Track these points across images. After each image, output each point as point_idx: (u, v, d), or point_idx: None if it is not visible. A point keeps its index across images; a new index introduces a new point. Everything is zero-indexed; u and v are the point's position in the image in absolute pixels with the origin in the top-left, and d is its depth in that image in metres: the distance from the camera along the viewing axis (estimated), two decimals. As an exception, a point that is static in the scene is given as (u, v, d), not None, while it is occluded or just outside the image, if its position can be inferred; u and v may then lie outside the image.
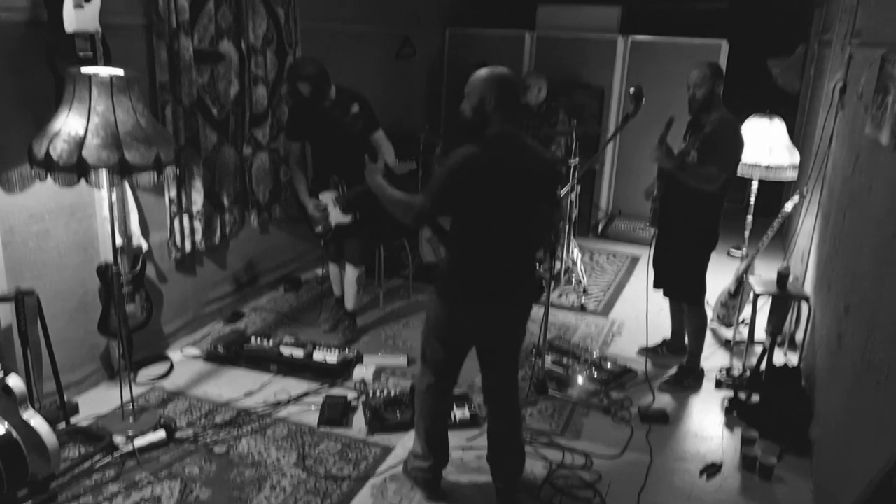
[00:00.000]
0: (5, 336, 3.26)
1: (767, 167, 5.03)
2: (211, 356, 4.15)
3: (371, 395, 3.72)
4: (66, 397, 3.45)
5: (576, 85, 6.88)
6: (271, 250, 5.23)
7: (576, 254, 5.51)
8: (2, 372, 2.83)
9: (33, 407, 2.91)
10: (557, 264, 5.46)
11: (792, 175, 5.14)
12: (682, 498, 3.11)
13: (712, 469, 3.28)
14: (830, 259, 3.69)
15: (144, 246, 3.88)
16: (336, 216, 4.26)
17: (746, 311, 4.47)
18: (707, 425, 3.68)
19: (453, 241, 2.79)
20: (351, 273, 4.40)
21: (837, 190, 3.77)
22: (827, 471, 2.98)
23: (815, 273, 4.22)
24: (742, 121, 4.77)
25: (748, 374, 3.96)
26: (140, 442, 3.24)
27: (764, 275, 4.46)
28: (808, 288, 4.28)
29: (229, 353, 4.11)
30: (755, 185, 5.29)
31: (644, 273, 4.36)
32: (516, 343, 3.01)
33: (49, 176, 2.93)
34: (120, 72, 3.03)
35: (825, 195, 4.20)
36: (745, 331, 4.44)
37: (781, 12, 7.52)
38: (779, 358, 4.03)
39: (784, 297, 4.10)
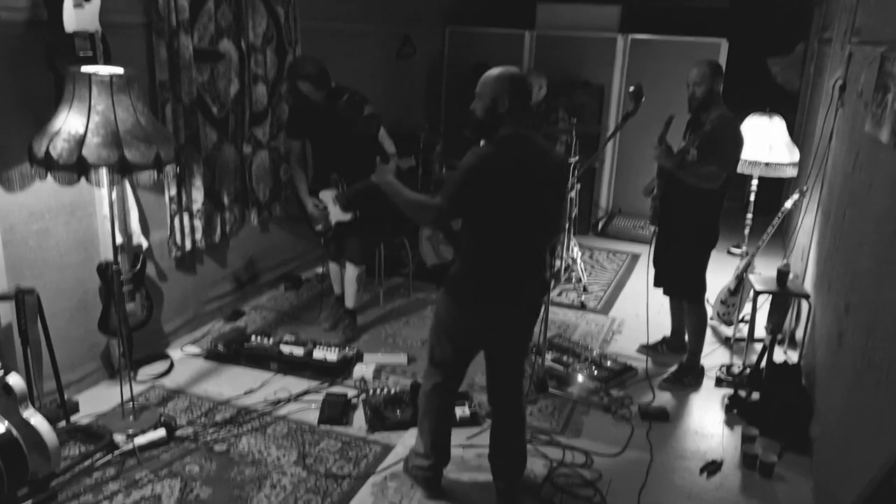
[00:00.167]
0: (5, 334, 3.26)
1: (767, 165, 5.03)
2: (211, 354, 4.15)
3: (371, 393, 3.72)
4: (66, 396, 3.45)
5: (576, 83, 6.88)
6: (271, 249, 5.23)
7: (576, 252, 5.51)
8: (2, 370, 2.83)
9: (33, 405, 2.91)
10: (557, 262, 5.46)
11: (792, 173, 5.15)
12: (683, 496, 3.11)
13: (713, 467, 3.29)
14: (830, 257, 3.69)
15: (144, 244, 3.88)
16: (336, 214, 4.26)
17: (746, 309, 4.47)
18: (707, 423, 3.68)
19: (465, 242, 2.77)
20: (351, 271, 4.40)
21: (837, 188, 3.77)
22: (827, 469, 2.98)
23: (815, 271, 4.22)
24: (742, 119, 4.77)
25: (748, 371, 3.96)
26: (140, 440, 3.24)
27: (764, 272, 4.46)
28: (809, 286, 4.28)
29: (229, 352, 4.11)
30: (755, 182, 5.29)
31: (644, 271, 4.36)
32: (524, 344, 3.01)
33: (49, 175, 2.93)
34: (120, 70, 3.03)
35: (825, 193, 4.20)
36: (745, 328, 4.44)
37: (781, 11, 7.52)
38: (779, 356, 4.03)
39: (784, 295, 4.10)
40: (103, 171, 2.94)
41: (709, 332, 4.32)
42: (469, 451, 3.33)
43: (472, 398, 3.71)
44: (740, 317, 4.58)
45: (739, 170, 4.36)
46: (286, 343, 4.11)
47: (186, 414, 3.57)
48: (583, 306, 5.14)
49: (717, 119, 3.68)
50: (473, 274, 2.75)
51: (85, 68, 3.01)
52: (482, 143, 2.74)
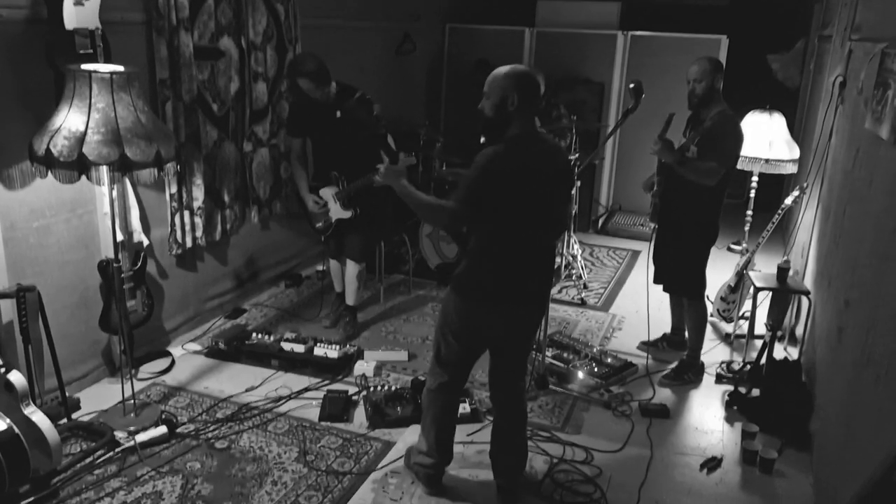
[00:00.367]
0: (7, 332, 3.26)
1: (767, 161, 5.04)
2: (212, 352, 4.16)
3: (372, 390, 3.73)
4: (67, 393, 3.46)
5: (576, 80, 6.87)
6: (272, 246, 5.23)
7: (576, 249, 5.52)
8: (3, 368, 2.84)
9: (35, 403, 2.92)
10: (558, 259, 5.46)
11: (792, 169, 5.15)
12: (683, 492, 3.12)
13: (713, 463, 3.29)
14: (830, 253, 3.69)
15: (145, 242, 3.88)
16: (336, 212, 4.27)
17: (747, 306, 4.47)
18: (707, 419, 3.69)
19: (472, 241, 2.77)
20: (351, 269, 4.40)
21: (837, 184, 3.77)
22: (827, 465, 2.99)
23: (815, 267, 4.22)
24: (742, 116, 4.77)
25: (748, 368, 3.96)
26: (141, 437, 3.25)
27: (764, 269, 4.46)
28: (809, 282, 4.28)
29: (230, 349, 4.11)
30: (755, 179, 5.30)
31: (644, 268, 4.36)
32: (530, 342, 3.02)
33: (50, 172, 2.94)
34: (120, 68, 3.03)
35: (825, 189, 4.20)
36: (745, 325, 4.44)
37: (781, 7, 7.51)
38: (779, 352, 4.03)
39: (784, 292, 4.10)
40: (104, 169, 2.94)
41: (709, 328, 4.33)
42: (470, 447, 3.34)
43: (472, 395, 3.71)
44: (740, 313, 4.59)
45: (740, 166, 4.36)
46: (287, 340, 4.12)
47: (187, 411, 3.58)
48: (583, 303, 5.14)
49: (717, 116, 3.68)
50: (482, 273, 2.74)
51: (85, 66, 3.01)
52: (482, 140, 2.73)
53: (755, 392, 3.77)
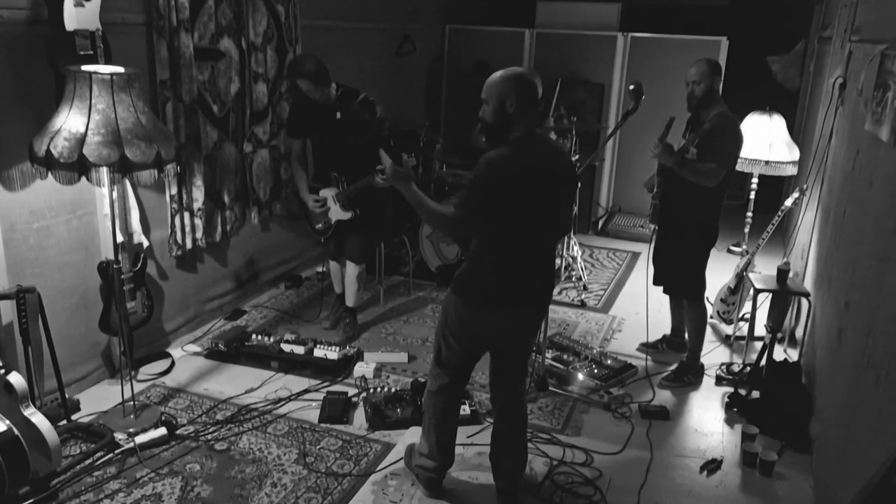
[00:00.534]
0: (6, 333, 3.26)
1: (767, 163, 5.04)
2: (212, 353, 4.16)
3: (371, 391, 3.73)
4: (67, 394, 3.46)
5: (576, 82, 6.88)
6: (272, 247, 5.23)
7: (576, 250, 5.52)
8: (3, 369, 2.83)
9: (34, 404, 2.92)
10: (557, 261, 5.46)
11: (792, 171, 5.15)
12: (683, 494, 3.12)
13: (713, 465, 3.29)
14: (830, 255, 3.69)
15: (145, 243, 3.88)
16: (336, 213, 4.27)
17: (746, 307, 4.47)
18: (707, 421, 3.69)
19: (474, 243, 2.75)
20: (351, 270, 4.40)
21: (837, 186, 3.77)
22: (827, 467, 2.99)
23: (815, 269, 4.22)
24: (742, 117, 4.77)
25: (748, 369, 3.96)
26: (141, 439, 3.25)
27: (764, 271, 4.46)
28: (809, 284, 4.28)
29: (230, 350, 4.11)
30: (755, 181, 5.30)
31: (644, 269, 4.36)
32: (531, 344, 3.02)
33: (50, 173, 2.94)
34: (120, 69, 3.03)
35: (825, 191, 4.20)
36: (745, 327, 4.44)
37: (781, 9, 7.51)
38: (779, 354, 4.03)
39: (784, 293, 4.10)
40: (104, 170, 2.94)
41: (709, 330, 4.33)
42: (469, 449, 3.33)
43: (472, 397, 3.71)
44: (740, 315, 4.59)
45: (739, 168, 4.36)
46: (287, 342, 4.11)
47: (187, 412, 3.58)
48: (583, 305, 5.14)
49: (716, 117, 3.69)
50: (484, 275, 2.73)
51: (85, 67, 3.01)
52: (484, 141, 2.72)
53: (755, 394, 3.77)
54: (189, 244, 4.30)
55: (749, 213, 5.33)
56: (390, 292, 5.21)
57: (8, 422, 2.79)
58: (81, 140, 2.87)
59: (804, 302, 4.11)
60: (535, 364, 3.91)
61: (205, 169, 4.32)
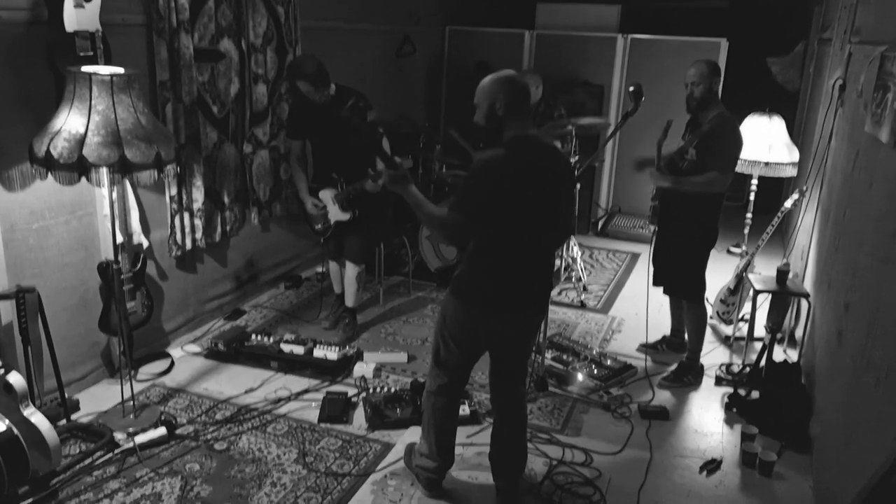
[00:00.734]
0: (6, 333, 3.26)
1: (767, 164, 5.04)
2: (211, 353, 4.16)
3: (371, 391, 3.73)
4: (66, 394, 3.46)
5: (575, 83, 6.88)
6: (272, 248, 5.23)
7: (575, 251, 5.52)
8: (3, 369, 2.83)
9: (34, 404, 2.92)
10: (557, 262, 5.46)
11: (791, 172, 5.15)
12: (682, 494, 3.12)
13: (712, 465, 3.29)
14: (830, 256, 3.69)
15: (145, 243, 3.88)
16: (335, 213, 4.27)
17: (746, 308, 4.47)
18: (707, 422, 3.69)
19: (474, 245, 2.74)
20: (351, 270, 4.41)
21: (837, 187, 3.77)
22: (827, 467, 2.99)
23: (814, 270, 4.22)
24: (741, 119, 4.77)
25: (748, 370, 3.96)
26: (141, 439, 3.25)
27: (764, 272, 4.46)
28: (808, 285, 4.29)
29: (230, 350, 4.11)
30: (755, 182, 5.30)
31: (644, 270, 4.36)
32: (530, 345, 3.01)
33: (50, 174, 2.94)
34: (120, 70, 3.03)
35: (825, 192, 4.20)
36: (744, 327, 4.45)
37: (780, 10, 7.52)
38: (778, 355, 4.03)
39: (784, 294, 4.10)
40: (104, 171, 2.94)
41: (708, 330, 4.33)
42: (469, 449, 3.34)
43: (472, 396, 3.71)
44: (740, 316, 4.59)
45: (739, 169, 4.36)
46: (286, 342, 4.11)
47: (187, 412, 3.58)
48: (583, 305, 5.15)
49: (715, 119, 3.69)
50: (482, 277, 2.72)
51: (85, 68, 3.02)
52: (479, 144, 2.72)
53: (755, 394, 3.77)
54: (189, 244, 4.30)
55: (749, 214, 5.33)
56: (390, 292, 5.22)
57: (8, 421, 2.79)
58: (81, 141, 2.87)
59: (804, 303, 4.12)
60: (534, 364, 3.91)
61: (204, 169, 4.32)
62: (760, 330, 4.32)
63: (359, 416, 3.60)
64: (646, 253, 4.27)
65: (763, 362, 3.83)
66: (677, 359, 4.18)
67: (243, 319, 4.73)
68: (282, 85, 4.92)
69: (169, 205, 4.14)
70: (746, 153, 4.82)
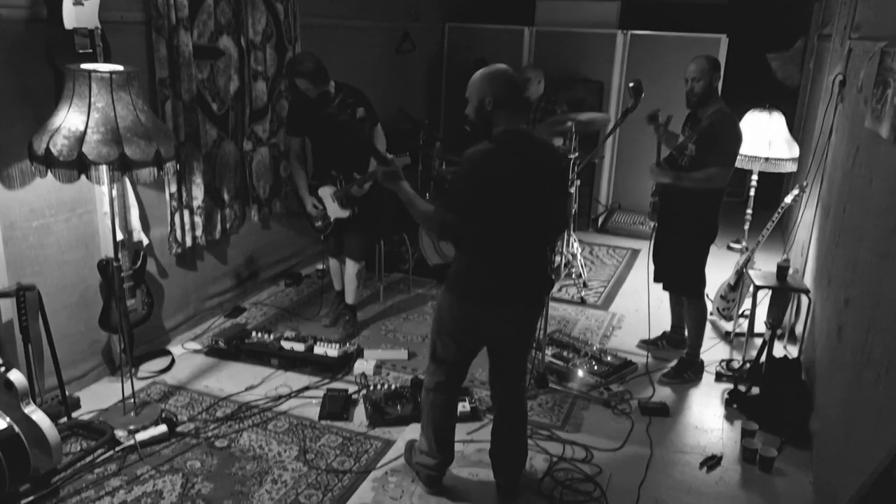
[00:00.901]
0: (6, 331, 3.27)
1: (767, 160, 5.04)
2: (212, 351, 4.16)
3: (372, 388, 3.73)
4: (67, 392, 3.46)
5: (575, 79, 6.88)
6: (272, 245, 5.23)
7: (575, 247, 5.52)
8: (3, 367, 2.84)
9: (35, 402, 2.92)
10: (557, 258, 5.46)
11: (791, 168, 5.15)
12: (683, 490, 3.12)
13: (712, 461, 3.29)
14: (830, 252, 3.69)
15: (145, 241, 3.88)
16: (335, 211, 4.27)
17: (746, 304, 4.47)
18: (707, 418, 3.69)
19: (467, 242, 2.74)
20: (351, 268, 4.41)
21: (837, 183, 3.77)
22: (827, 463, 2.99)
23: (814, 266, 4.22)
24: (741, 115, 4.77)
25: (748, 366, 3.96)
26: (141, 436, 3.25)
27: (764, 267, 4.46)
28: (808, 280, 4.29)
29: (230, 348, 4.11)
30: (755, 178, 5.30)
31: (644, 266, 4.36)
32: (528, 341, 3.01)
33: (49, 172, 2.94)
34: (119, 68, 3.03)
35: (825, 188, 4.20)
36: (744, 323, 4.45)
37: (781, 6, 7.51)
38: (779, 350, 4.04)
39: (784, 290, 4.10)
40: (103, 169, 2.94)
41: (708, 327, 4.33)
42: (469, 446, 3.34)
43: (471, 393, 3.71)
44: (740, 312, 4.59)
45: (739, 165, 4.35)
46: (287, 339, 4.12)
47: (187, 410, 3.58)
48: (583, 302, 5.15)
49: (714, 114, 3.69)
50: (476, 272, 2.73)
51: (85, 65, 3.01)
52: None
53: (755, 390, 3.77)
54: (189, 242, 4.30)
55: (749, 210, 5.33)
56: (390, 289, 5.22)
57: (8, 419, 2.79)
58: (81, 138, 2.87)
59: (804, 299, 4.12)
60: (535, 361, 3.91)
61: (204, 167, 4.32)
62: (760, 326, 4.32)
63: (359, 413, 3.61)
64: (646, 249, 4.27)
65: (763, 358, 3.83)
66: (677, 355, 4.18)
67: (243, 317, 4.73)
68: (281, 82, 4.92)
69: (169, 202, 4.13)
70: (746, 149, 4.81)
